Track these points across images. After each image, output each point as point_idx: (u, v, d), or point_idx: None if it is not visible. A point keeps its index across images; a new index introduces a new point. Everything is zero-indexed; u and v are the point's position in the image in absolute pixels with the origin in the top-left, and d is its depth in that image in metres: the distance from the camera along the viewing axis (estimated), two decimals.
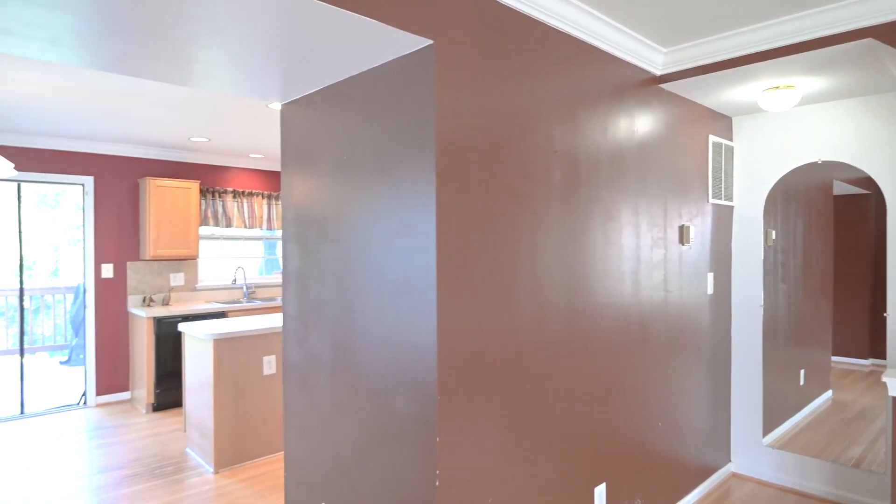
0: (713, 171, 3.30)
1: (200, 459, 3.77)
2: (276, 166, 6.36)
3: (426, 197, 1.72)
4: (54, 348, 7.70)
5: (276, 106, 3.77)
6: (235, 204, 6.01)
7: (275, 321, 4.10)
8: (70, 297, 7.96)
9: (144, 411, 4.93)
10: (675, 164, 2.96)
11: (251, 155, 5.88)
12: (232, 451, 3.65)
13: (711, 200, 3.28)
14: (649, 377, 2.74)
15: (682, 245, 3.02)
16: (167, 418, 4.76)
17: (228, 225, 5.96)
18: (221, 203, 5.90)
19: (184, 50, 1.84)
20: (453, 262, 1.74)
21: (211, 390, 3.60)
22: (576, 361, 2.26)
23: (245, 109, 3.90)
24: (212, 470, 3.60)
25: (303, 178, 2.39)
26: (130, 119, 4.17)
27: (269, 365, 3.83)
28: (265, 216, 6.25)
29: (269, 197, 6.28)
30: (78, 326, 7.24)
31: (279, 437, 3.89)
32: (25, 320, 6.47)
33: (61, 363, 7.29)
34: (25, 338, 5.75)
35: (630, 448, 2.60)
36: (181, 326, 3.95)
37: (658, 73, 2.79)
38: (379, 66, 1.94)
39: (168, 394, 4.98)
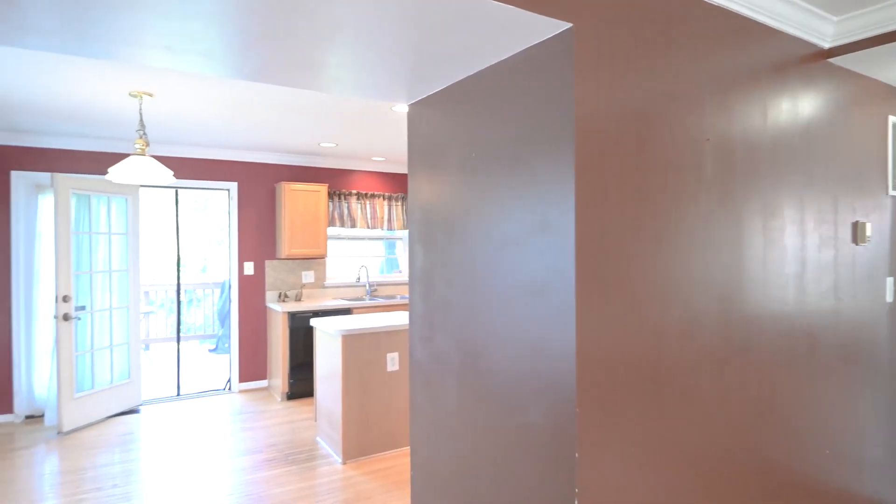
0: (894, 159, 2.80)
1: (329, 449, 3.95)
2: (396, 168, 6.54)
3: (563, 193, 1.60)
4: (204, 337, 8.59)
5: (400, 108, 3.83)
6: (359, 205, 6.26)
7: (397, 319, 4.19)
8: (217, 291, 8.83)
9: (279, 399, 5.30)
10: (848, 150, 2.54)
11: (374, 158, 6.10)
12: (358, 443, 3.78)
13: (891, 192, 2.79)
14: (815, 397, 2.37)
15: (856, 245, 2.59)
16: (300, 407, 5.07)
17: (353, 226, 6.23)
18: (346, 205, 6.18)
19: (315, 55, 1.88)
20: (593, 262, 1.60)
21: (339, 384, 3.75)
22: (728, 376, 2.01)
23: (369, 114, 4.01)
24: (340, 460, 3.74)
25: (429, 178, 2.38)
26: (268, 128, 4.49)
27: (393, 362, 3.91)
28: (386, 217, 6.45)
29: (390, 198, 6.47)
30: (224, 318, 8.00)
31: (402, 433, 3.96)
32: (181, 312, 7.23)
33: (210, 351, 8.11)
34: (180, 327, 6.42)
35: (790, 477, 2.27)
36: (313, 322, 4.17)
37: (826, 45, 2.41)
38: (509, 57, 1.85)
39: (300, 384, 5.30)
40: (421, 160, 2.44)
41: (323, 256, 5.82)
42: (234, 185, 5.61)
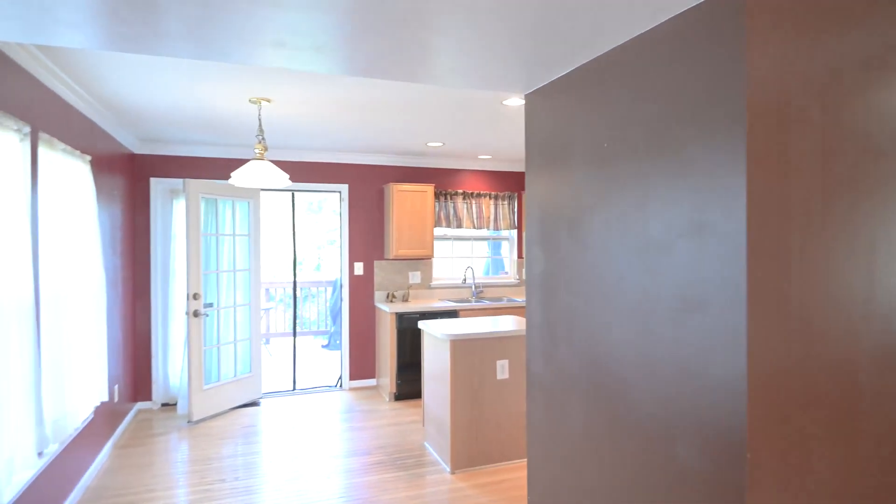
0: None
1: (437, 456, 3.84)
2: (503, 166, 6.33)
3: (730, 187, 1.30)
4: (317, 333, 8.96)
5: (511, 102, 3.62)
6: (465, 205, 6.14)
7: (507, 324, 3.99)
8: (329, 289, 9.18)
9: (387, 399, 5.31)
10: None
11: (480, 156, 5.94)
12: (467, 453, 3.63)
13: None
14: None
15: None
16: (407, 408, 5.04)
17: (459, 226, 6.12)
18: (452, 205, 6.08)
19: (425, 44, 1.73)
20: (770, 273, 1.29)
21: (447, 390, 3.62)
22: None
23: (477, 110, 3.84)
24: (448, 469, 3.62)
25: (550, 173, 2.14)
26: (377, 130, 4.48)
27: (503, 369, 3.71)
28: (492, 216, 6.27)
29: (496, 197, 6.28)
30: (335, 316, 8.29)
31: (514, 444, 3.75)
32: (297, 309, 7.54)
33: (322, 347, 8.43)
34: (296, 323, 6.67)
35: None
36: (421, 324, 4.09)
37: None
38: (651, 29, 1.58)
39: (407, 385, 5.28)
40: (540, 154, 2.22)
41: (429, 257, 5.76)
42: (344, 188, 5.72)
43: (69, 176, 3.18)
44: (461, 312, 5.43)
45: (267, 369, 6.56)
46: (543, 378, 2.18)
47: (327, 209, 10.22)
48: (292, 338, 6.14)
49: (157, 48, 1.81)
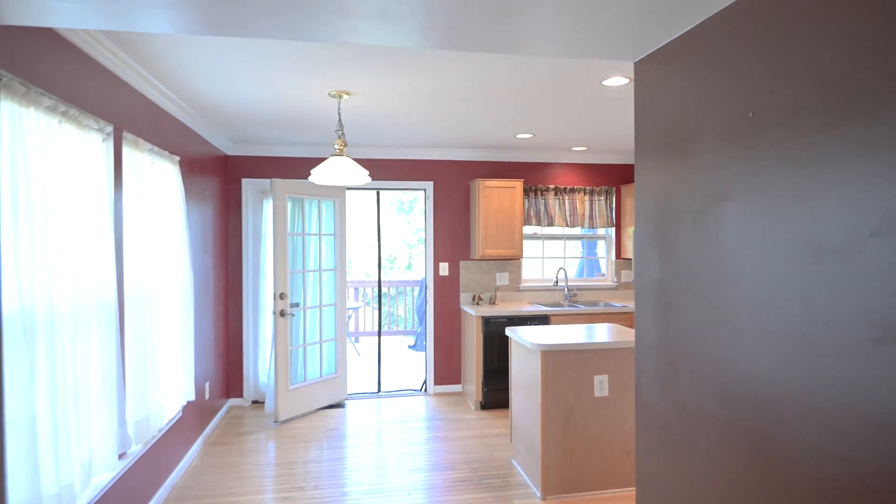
0: None
1: (526, 477, 3.50)
2: (598, 158, 5.83)
3: None
4: (404, 333, 8.89)
5: (613, 81, 3.19)
6: (557, 201, 5.71)
7: (606, 334, 3.55)
8: (416, 289, 9.08)
9: (473, 408, 5.03)
10: None
11: (573, 148, 5.49)
12: (561, 477, 3.25)
13: None
14: None
15: None
16: (493, 419, 4.73)
17: (550, 224, 5.70)
18: (543, 201, 5.68)
19: (512, 4, 1.40)
20: None
21: (537, 406, 3.27)
22: None
23: (573, 92, 3.44)
24: (539, 494, 3.26)
25: (668, 157, 1.74)
26: (462, 122, 4.21)
27: (601, 386, 3.29)
28: (587, 213, 5.79)
29: (592, 192, 5.79)
30: (422, 317, 8.16)
31: (615, 470, 3.32)
32: (384, 308, 7.47)
33: (409, 347, 8.33)
34: (381, 324, 6.57)
35: None
36: (508, 331, 3.76)
37: None
38: None
39: (495, 394, 4.97)
40: (654, 134, 1.81)
41: (518, 257, 5.41)
42: (429, 185, 5.51)
43: (156, 176, 3.19)
44: (553, 318, 5.03)
45: (353, 368, 6.52)
46: (659, 410, 1.78)
47: (417, 209, 10.16)
48: (377, 336, 6.04)
49: (252, 28, 1.67)
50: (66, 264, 2.19)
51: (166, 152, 3.33)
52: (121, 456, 2.68)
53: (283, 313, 4.63)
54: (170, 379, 3.33)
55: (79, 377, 2.25)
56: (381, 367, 5.90)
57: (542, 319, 5.01)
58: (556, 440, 3.25)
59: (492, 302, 5.49)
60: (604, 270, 6.12)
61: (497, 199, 5.30)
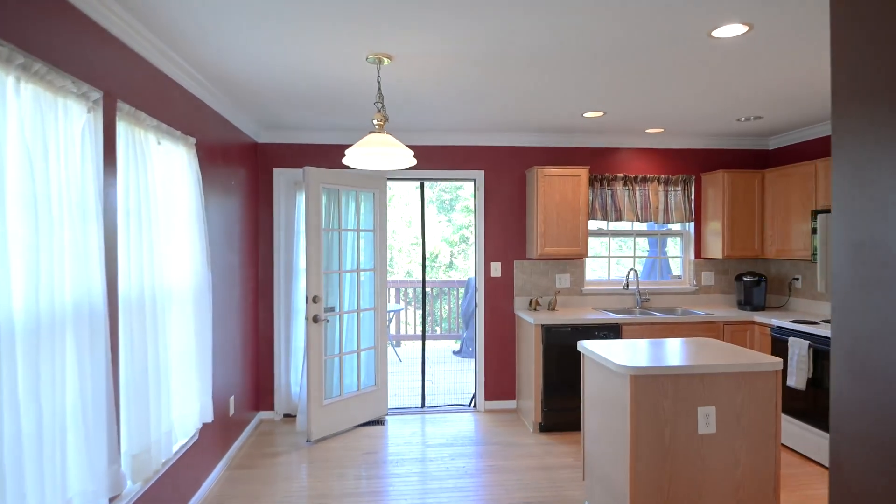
0: None
1: None
2: (676, 143, 5.06)
3: None
4: (448, 336, 8.30)
5: (725, 30, 2.48)
6: (626, 192, 4.98)
7: (709, 353, 2.84)
8: (460, 290, 8.48)
9: (531, 429, 4.38)
10: None
11: (647, 130, 4.76)
12: None
13: None
14: None
15: None
16: (557, 445, 4.07)
17: (617, 218, 4.98)
18: (610, 192, 4.96)
19: None
20: None
21: (624, 442, 2.60)
22: None
23: (669, 45, 2.75)
24: None
25: None
26: (524, 98, 3.56)
27: (707, 420, 2.59)
28: (661, 206, 5.03)
29: (667, 182, 5.03)
30: (468, 320, 7.54)
31: None
32: (426, 314, 6.91)
33: (454, 353, 7.73)
34: (426, 329, 6.00)
35: None
36: (582, 346, 3.09)
37: None
38: None
39: (557, 414, 4.30)
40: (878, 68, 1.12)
41: (582, 256, 4.72)
42: (480, 175, 4.89)
43: (164, 159, 2.69)
44: (625, 327, 4.32)
45: (394, 376, 5.97)
46: (870, 486, 1.09)
47: (458, 207, 9.56)
48: (421, 342, 5.46)
49: None
50: (27, 262, 1.68)
51: (178, 132, 2.83)
52: (112, 499, 2.18)
53: (316, 319, 4.10)
54: (181, 399, 2.83)
55: (46, 405, 1.74)
56: (426, 379, 5.30)
57: (613, 330, 4.31)
58: (647, 486, 2.57)
59: (551, 307, 4.82)
60: (679, 272, 5.34)
61: (559, 189, 4.62)
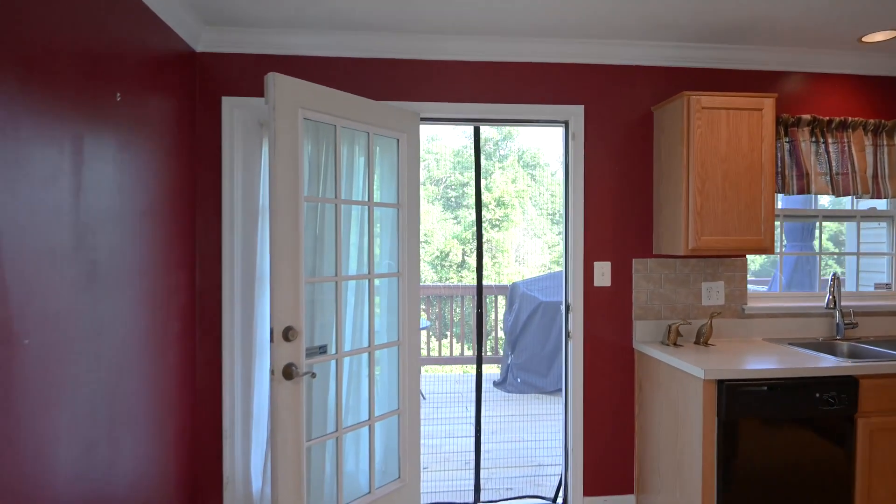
0: None
1: None
2: None
3: None
4: (488, 361, 6.31)
5: None
6: (813, 147, 2.97)
7: None
8: (498, 298, 6.51)
9: None
10: None
11: (865, 37, 2.76)
12: None
13: None
14: None
15: None
16: None
17: (802, 189, 2.96)
18: (790, 145, 2.95)
19: None
20: None
21: None
22: None
23: None
24: None
25: None
26: None
27: None
28: (870, 170, 3.02)
29: (877, 131, 3.02)
30: (514, 341, 5.55)
31: None
32: (482, 334, 5.01)
33: (494, 384, 5.73)
34: (481, 355, 4.01)
35: None
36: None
37: None
38: None
39: None
40: None
41: (764, 250, 2.71)
42: (576, 112, 2.88)
43: None
44: (864, 381, 2.32)
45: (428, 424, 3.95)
46: None
47: (467, 203, 7.57)
48: (476, 376, 3.41)
49: None
50: None
51: None
52: None
53: (289, 372, 2.11)
54: None
55: None
56: (481, 438, 3.25)
57: (846, 387, 2.31)
58: None
59: (703, 340, 2.80)
60: (887, 278, 3.32)
61: (725, 134, 2.62)
